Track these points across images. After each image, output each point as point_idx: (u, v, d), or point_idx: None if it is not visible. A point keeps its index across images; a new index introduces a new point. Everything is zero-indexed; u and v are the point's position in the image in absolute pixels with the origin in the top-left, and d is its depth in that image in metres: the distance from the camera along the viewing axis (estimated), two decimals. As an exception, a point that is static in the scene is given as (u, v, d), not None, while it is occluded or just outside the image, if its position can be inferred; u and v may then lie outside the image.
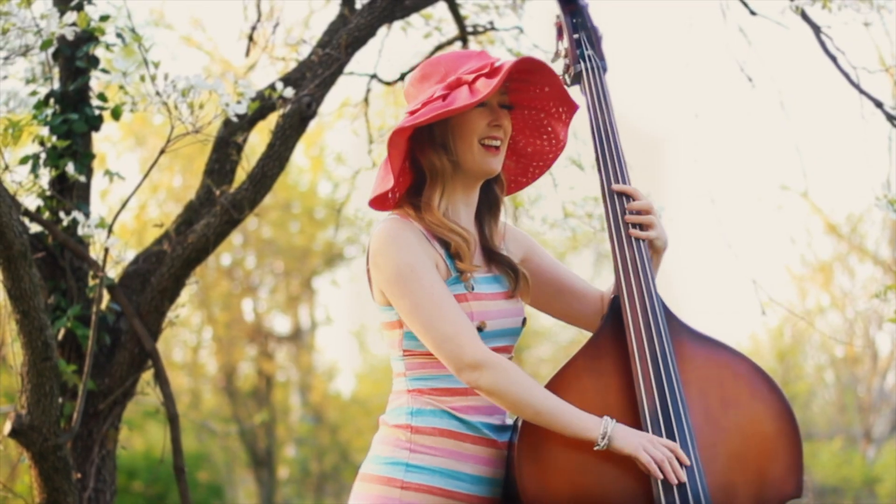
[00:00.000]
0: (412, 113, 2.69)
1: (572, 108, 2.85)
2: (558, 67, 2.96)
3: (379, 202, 2.76)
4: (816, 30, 4.31)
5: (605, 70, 2.89)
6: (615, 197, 2.77)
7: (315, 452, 18.73)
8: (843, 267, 18.04)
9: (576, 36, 2.93)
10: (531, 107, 2.87)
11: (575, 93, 2.92)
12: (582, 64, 2.89)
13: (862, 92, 4.30)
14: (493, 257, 2.80)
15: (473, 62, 2.73)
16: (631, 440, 2.55)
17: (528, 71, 2.74)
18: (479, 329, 2.67)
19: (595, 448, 2.55)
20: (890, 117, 4.25)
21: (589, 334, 2.77)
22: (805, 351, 19.70)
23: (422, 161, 2.74)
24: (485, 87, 2.63)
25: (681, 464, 2.57)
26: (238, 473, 18.77)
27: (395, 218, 2.71)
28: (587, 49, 2.91)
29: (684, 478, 2.56)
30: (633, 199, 2.78)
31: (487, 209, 2.84)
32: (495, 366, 2.57)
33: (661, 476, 2.54)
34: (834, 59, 4.31)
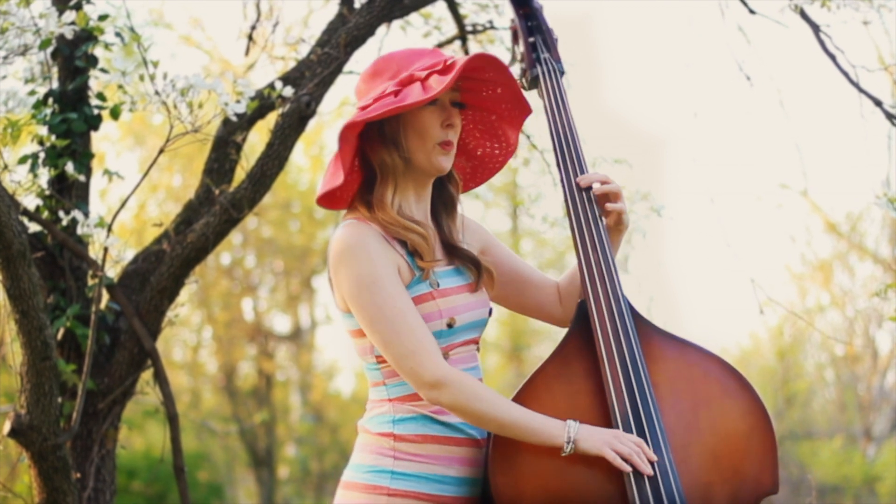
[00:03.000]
0: (363, 109, 2.65)
1: (525, 110, 2.82)
2: (515, 72, 2.92)
3: (327, 199, 2.71)
4: (815, 28, 4.31)
5: (562, 73, 2.88)
6: (577, 198, 2.76)
7: (315, 452, 18.72)
8: (843, 265, 18.03)
9: (531, 39, 2.92)
10: (483, 108, 2.84)
11: (532, 97, 2.91)
12: (538, 68, 2.88)
13: (861, 90, 4.30)
14: (454, 252, 2.78)
15: (426, 59, 2.70)
16: (596, 440, 2.55)
17: (481, 69, 2.71)
18: (450, 325, 2.65)
19: (563, 454, 2.55)
20: (889, 116, 4.25)
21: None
22: (805, 349, 19.67)
23: (372, 158, 2.71)
24: (437, 83, 2.60)
25: (652, 461, 2.56)
26: (238, 473, 18.76)
27: (352, 223, 2.67)
28: (543, 52, 2.90)
29: (651, 470, 2.55)
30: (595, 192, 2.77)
31: (443, 206, 2.81)
32: (455, 383, 2.56)
33: (630, 469, 2.53)
34: (833, 57, 4.30)
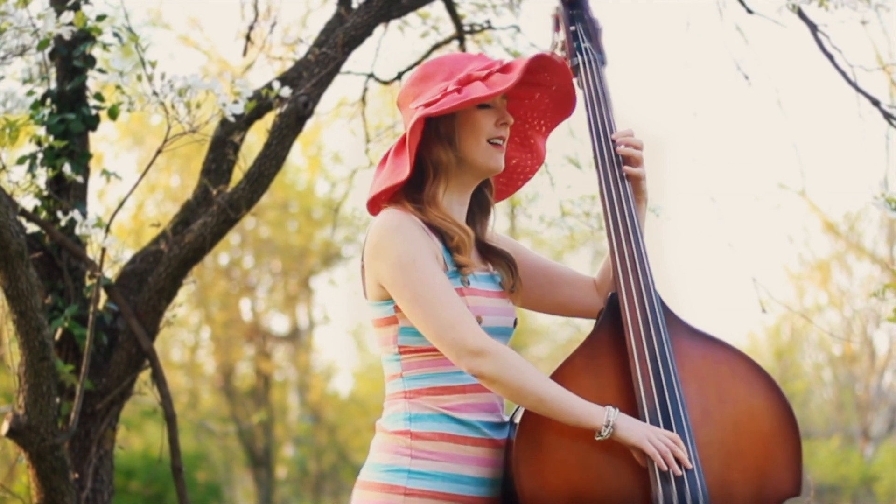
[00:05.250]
0: (428, 105, 2.66)
1: (563, 114, 2.84)
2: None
3: (376, 201, 2.73)
4: (813, 28, 4.31)
5: (603, 63, 2.85)
6: (612, 190, 2.75)
7: (313, 452, 18.72)
8: (841, 265, 18.04)
9: (573, 28, 2.89)
10: (517, 117, 2.86)
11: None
12: (579, 57, 2.85)
13: (859, 90, 4.30)
14: (490, 253, 2.79)
15: (477, 63, 2.72)
16: (635, 430, 2.54)
17: (540, 69, 2.73)
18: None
19: (597, 437, 2.53)
20: (887, 115, 4.25)
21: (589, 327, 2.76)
22: (803, 349, 19.70)
23: (426, 156, 2.71)
24: (502, 81, 2.62)
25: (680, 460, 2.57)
26: (236, 473, 18.75)
27: (392, 210, 2.68)
28: (584, 42, 2.87)
29: (684, 470, 2.54)
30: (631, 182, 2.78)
31: (479, 210, 2.82)
32: (497, 353, 2.55)
33: (666, 467, 2.52)
34: (831, 57, 4.30)
